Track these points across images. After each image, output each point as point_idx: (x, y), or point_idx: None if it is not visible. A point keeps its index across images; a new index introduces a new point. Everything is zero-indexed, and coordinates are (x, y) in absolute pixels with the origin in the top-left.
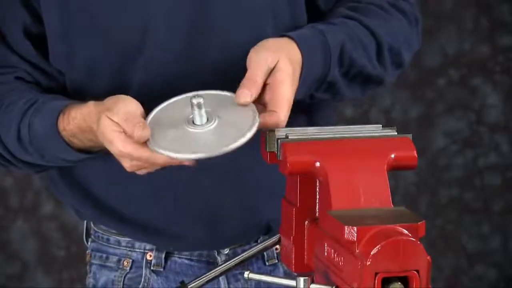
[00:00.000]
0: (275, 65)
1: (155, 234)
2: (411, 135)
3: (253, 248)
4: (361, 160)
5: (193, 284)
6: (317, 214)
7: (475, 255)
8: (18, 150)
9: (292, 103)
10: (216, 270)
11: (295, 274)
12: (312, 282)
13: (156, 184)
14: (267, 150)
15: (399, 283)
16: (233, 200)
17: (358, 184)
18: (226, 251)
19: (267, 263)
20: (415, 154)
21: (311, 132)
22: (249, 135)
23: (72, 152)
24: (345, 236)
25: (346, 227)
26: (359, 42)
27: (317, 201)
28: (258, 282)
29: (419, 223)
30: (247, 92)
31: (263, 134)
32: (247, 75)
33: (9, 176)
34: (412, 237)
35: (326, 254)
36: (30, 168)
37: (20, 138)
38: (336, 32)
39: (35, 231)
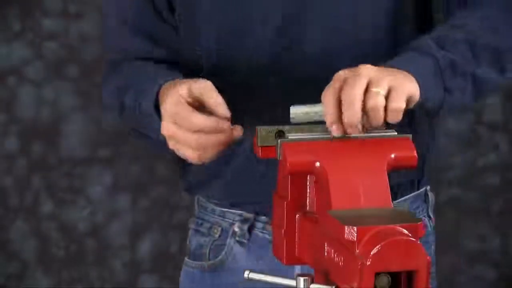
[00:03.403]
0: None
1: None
2: (411, 135)
3: None
4: (361, 160)
5: None
6: (307, 208)
7: (474, 255)
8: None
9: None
10: None
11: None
12: (312, 282)
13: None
14: (258, 144)
15: (399, 283)
16: None
17: (358, 184)
18: None
19: None
20: (415, 154)
21: (311, 132)
22: None
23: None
24: (345, 236)
25: (346, 227)
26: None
27: (307, 194)
28: None
29: (419, 223)
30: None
31: (256, 129)
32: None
33: (9, 176)
34: (412, 237)
35: (326, 254)
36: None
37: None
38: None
39: (35, 231)
